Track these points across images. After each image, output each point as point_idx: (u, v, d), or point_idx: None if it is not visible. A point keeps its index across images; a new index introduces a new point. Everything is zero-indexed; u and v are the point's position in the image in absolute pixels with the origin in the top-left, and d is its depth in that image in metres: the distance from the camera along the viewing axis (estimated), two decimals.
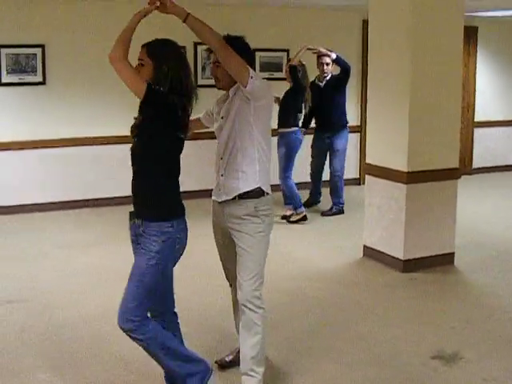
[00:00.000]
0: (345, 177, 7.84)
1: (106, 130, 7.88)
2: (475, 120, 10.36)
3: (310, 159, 7.91)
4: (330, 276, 5.52)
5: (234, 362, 3.70)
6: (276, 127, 7.01)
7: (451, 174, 5.64)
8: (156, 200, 3.07)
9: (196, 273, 5.42)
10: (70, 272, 5.56)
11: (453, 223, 5.71)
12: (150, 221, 3.04)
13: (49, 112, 7.70)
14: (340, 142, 7.64)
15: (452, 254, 5.75)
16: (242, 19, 8.31)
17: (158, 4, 3.03)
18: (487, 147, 10.52)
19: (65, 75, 7.70)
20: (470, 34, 9.79)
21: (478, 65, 10.25)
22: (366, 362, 3.91)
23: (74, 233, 6.83)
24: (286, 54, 8.71)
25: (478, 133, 10.42)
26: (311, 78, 7.49)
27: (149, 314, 3.13)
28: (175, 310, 3.37)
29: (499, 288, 5.22)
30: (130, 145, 3.12)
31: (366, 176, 5.96)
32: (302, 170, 7.91)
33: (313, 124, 7.79)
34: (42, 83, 7.61)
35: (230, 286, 3.69)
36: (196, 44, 8.02)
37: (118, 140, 7.51)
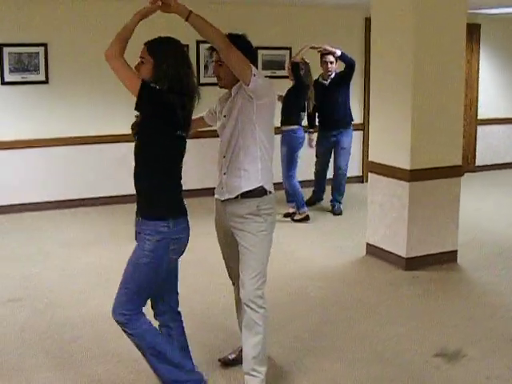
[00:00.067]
0: (348, 175, 7.85)
1: (108, 129, 7.88)
2: (478, 117, 10.34)
3: (311, 157, 7.89)
4: (332, 274, 5.51)
5: (237, 361, 3.70)
6: (279, 125, 7.01)
7: (454, 172, 5.63)
8: (153, 199, 3.07)
9: (198, 271, 5.43)
10: (72, 271, 5.56)
11: (456, 221, 5.71)
12: (147, 219, 3.05)
13: (51, 111, 7.70)
14: (346, 140, 7.63)
15: (455, 252, 5.75)
16: (244, 17, 8.30)
17: (160, 4, 3.02)
18: (490, 144, 10.50)
19: (67, 74, 7.71)
20: (473, 32, 9.77)
21: (480, 62, 10.23)
22: (369, 360, 3.91)
23: (76, 231, 6.84)
24: (288, 52, 8.70)
25: (481, 130, 10.41)
26: (315, 77, 7.47)
27: (144, 311, 3.14)
28: (179, 309, 3.37)
29: (502, 286, 5.22)
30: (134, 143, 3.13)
31: (369, 174, 5.95)
32: (305, 169, 7.91)
33: (316, 123, 7.78)
34: (45, 82, 7.62)
35: (233, 284, 3.69)
36: (198, 42, 8.02)
37: (120, 138, 7.52)
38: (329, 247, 6.31)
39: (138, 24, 3.02)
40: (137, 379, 3.67)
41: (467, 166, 9.82)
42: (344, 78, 7.45)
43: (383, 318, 4.56)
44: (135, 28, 3.01)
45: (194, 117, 3.23)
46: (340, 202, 7.68)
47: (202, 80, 8.03)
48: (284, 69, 8.23)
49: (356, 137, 8.12)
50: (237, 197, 3.31)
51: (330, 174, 7.87)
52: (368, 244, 5.97)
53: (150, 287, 3.12)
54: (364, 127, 9.22)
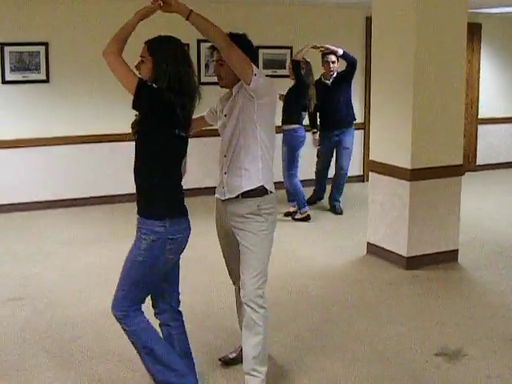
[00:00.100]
0: (348, 174, 7.84)
1: (109, 128, 7.87)
2: (479, 117, 10.34)
3: (312, 156, 7.89)
4: (333, 274, 5.51)
5: (238, 360, 3.70)
6: (280, 124, 7.01)
7: (455, 171, 5.63)
8: (150, 198, 3.07)
9: (198, 270, 5.43)
10: (72, 271, 5.56)
11: (456, 220, 5.71)
12: (145, 218, 3.05)
13: (52, 110, 7.70)
14: (349, 140, 7.62)
15: (456, 251, 5.75)
16: (245, 16, 8.30)
17: (161, 3, 3.01)
18: (491, 144, 10.50)
19: (68, 73, 7.71)
20: (474, 31, 9.76)
21: (481, 61, 10.22)
22: (370, 359, 3.91)
23: (76, 231, 6.83)
24: (289, 51, 8.70)
25: (482, 129, 10.40)
26: (316, 76, 7.46)
27: (143, 308, 3.15)
28: (180, 308, 3.37)
29: (503, 285, 5.21)
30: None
31: (370, 173, 5.95)
32: (306, 168, 7.90)
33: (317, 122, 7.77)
34: (46, 81, 7.62)
35: (234, 283, 3.69)
36: (199, 41, 8.02)
37: (121, 138, 7.51)
38: (329, 246, 6.30)
39: (139, 24, 3.02)
40: (138, 378, 3.67)
41: (468, 165, 9.81)
42: (346, 77, 7.44)
43: (384, 317, 4.56)
44: (135, 27, 3.00)
45: (194, 116, 3.23)
46: (339, 201, 7.68)
47: (203, 79, 8.01)
48: (285, 68, 8.23)
49: (357, 136, 8.11)
50: (237, 196, 3.30)
51: (330, 174, 7.88)
52: (369, 243, 5.97)
53: (147, 285, 3.12)
54: (365, 126, 9.22)
